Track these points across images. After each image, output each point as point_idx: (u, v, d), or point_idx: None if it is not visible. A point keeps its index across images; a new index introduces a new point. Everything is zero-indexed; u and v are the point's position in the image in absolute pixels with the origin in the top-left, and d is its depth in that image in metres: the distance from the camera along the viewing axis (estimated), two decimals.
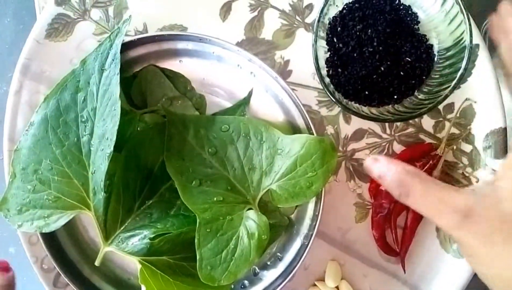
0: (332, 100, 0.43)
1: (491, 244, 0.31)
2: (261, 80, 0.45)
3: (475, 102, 0.47)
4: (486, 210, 0.31)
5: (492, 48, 0.55)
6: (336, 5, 0.44)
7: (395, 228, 0.47)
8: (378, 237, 0.47)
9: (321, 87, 0.43)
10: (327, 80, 0.44)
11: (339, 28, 0.44)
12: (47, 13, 0.47)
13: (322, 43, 0.45)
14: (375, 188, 0.47)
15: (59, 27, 0.47)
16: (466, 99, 0.47)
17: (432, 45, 0.45)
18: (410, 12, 0.45)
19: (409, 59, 0.44)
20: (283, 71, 0.47)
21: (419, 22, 0.45)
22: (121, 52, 0.40)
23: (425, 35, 0.45)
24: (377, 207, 0.47)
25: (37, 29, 0.47)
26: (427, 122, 0.48)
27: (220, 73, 0.46)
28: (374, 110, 0.45)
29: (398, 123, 0.47)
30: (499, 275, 0.32)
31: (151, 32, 0.47)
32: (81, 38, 0.47)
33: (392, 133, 0.48)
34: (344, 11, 0.44)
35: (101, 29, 0.47)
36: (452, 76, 0.42)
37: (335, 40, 0.44)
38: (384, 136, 0.48)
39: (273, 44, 0.48)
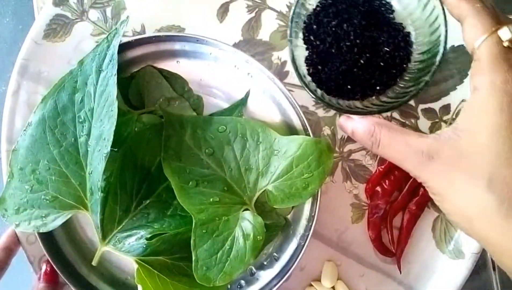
0: (312, 98, 0.43)
1: (452, 182, 0.33)
2: (258, 81, 0.45)
3: None
4: (447, 150, 0.33)
5: None
6: (309, 3, 0.45)
7: (391, 228, 0.48)
8: (374, 237, 0.47)
9: None
10: (308, 78, 0.45)
11: (314, 26, 0.44)
12: (45, 14, 0.47)
13: (300, 42, 0.45)
14: (371, 189, 0.48)
15: (57, 28, 0.47)
16: (463, 100, 0.47)
17: (409, 33, 0.45)
18: (384, 2, 0.45)
19: (388, 49, 0.44)
20: (280, 72, 0.48)
21: (393, 11, 0.45)
22: (118, 52, 0.41)
23: (401, 24, 0.45)
24: (373, 208, 0.47)
25: (35, 29, 0.47)
26: (424, 124, 0.48)
27: (218, 74, 0.46)
28: (358, 104, 0.45)
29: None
30: (460, 211, 0.33)
31: (149, 33, 0.47)
32: (79, 39, 0.47)
33: None
34: (318, 8, 0.45)
35: (99, 30, 0.48)
36: (432, 61, 0.42)
37: (312, 38, 0.44)
38: None
39: (270, 45, 0.48)
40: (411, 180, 0.47)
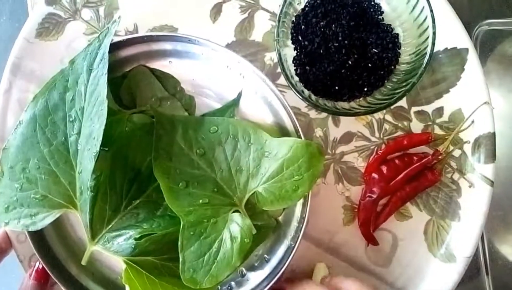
0: (299, 98, 0.43)
1: None
2: (250, 82, 0.45)
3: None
4: None
5: (483, 53, 0.55)
6: (298, 3, 0.44)
7: (376, 206, 0.48)
8: (362, 221, 0.47)
9: None
10: (296, 79, 0.44)
11: (303, 26, 0.44)
12: (38, 13, 0.47)
13: (288, 42, 0.45)
14: (369, 174, 0.47)
15: (50, 27, 0.47)
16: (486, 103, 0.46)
17: (397, 34, 0.45)
18: (373, 3, 0.45)
19: (376, 50, 0.44)
20: (273, 73, 0.48)
21: (382, 12, 0.45)
22: (111, 52, 0.40)
23: (390, 25, 0.45)
24: (367, 191, 0.47)
25: (27, 28, 0.47)
26: (416, 126, 0.48)
27: (210, 74, 0.46)
28: (345, 105, 0.45)
29: (387, 126, 0.47)
30: None
31: (141, 33, 0.47)
32: (71, 38, 0.47)
33: (381, 136, 0.48)
34: (307, 8, 0.44)
35: (91, 29, 0.48)
36: (419, 63, 0.42)
37: (300, 38, 0.44)
38: (373, 139, 0.48)
39: (263, 46, 0.48)
40: (408, 169, 0.46)
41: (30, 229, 0.41)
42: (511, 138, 0.58)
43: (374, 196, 0.47)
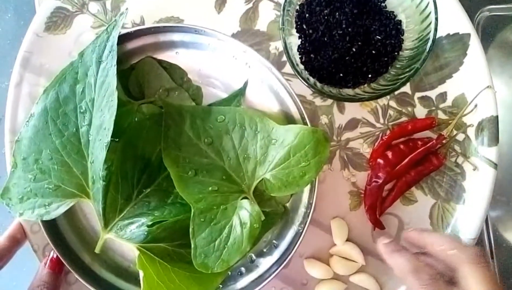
0: (305, 85, 0.44)
1: None
2: (256, 71, 0.46)
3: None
4: None
5: (485, 39, 0.55)
6: None
7: (382, 191, 0.48)
8: (369, 206, 0.48)
9: None
10: (301, 67, 0.45)
11: (307, 15, 0.45)
12: (46, 7, 0.47)
13: (293, 31, 0.45)
14: (375, 159, 0.48)
15: (58, 21, 0.48)
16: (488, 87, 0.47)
17: (400, 21, 0.45)
18: None
19: (379, 37, 0.44)
20: (278, 62, 0.48)
21: None
22: (118, 44, 0.41)
23: (393, 12, 0.45)
24: (373, 176, 0.48)
25: (36, 22, 0.47)
26: (420, 111, 0.48)
27: (216, 64, 0.46)
28: (350, 91, 0.46)
29: (392, 112, 0.48)
30: None
31: (148, 24, 0.48)
32: (79, 31, 0.48)
33: (386, 122, 0.48)
34: None
35: (99, 22, 0.48)
36: (422, 48, 0.42)
37: (304, 26, 0.45)
38: (378, 125, 0.49)
39: (268, 36, 0.48)
40: (413, 154, 0.47)
41: (44, 219, 0.42)
42: None
43: (380, 181, 0.47)
